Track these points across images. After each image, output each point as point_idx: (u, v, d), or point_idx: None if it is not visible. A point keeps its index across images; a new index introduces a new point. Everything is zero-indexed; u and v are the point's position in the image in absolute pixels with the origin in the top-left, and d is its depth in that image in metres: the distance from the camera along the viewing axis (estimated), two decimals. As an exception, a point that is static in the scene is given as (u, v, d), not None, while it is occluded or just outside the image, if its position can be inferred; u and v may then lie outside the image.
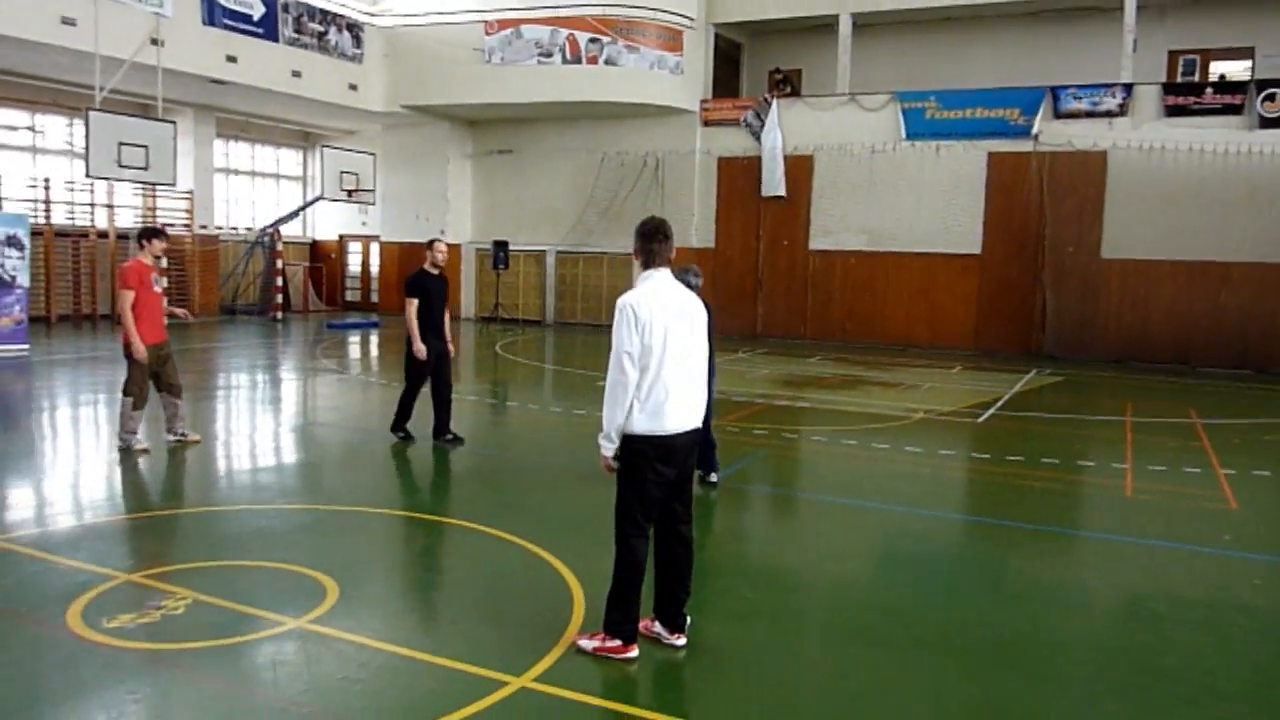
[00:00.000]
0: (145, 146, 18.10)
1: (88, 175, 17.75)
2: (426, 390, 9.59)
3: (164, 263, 16.46)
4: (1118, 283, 19.69)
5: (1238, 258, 18.64)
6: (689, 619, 4.87)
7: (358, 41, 23.10)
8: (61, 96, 21.28)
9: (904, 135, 21.29)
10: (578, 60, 22.05)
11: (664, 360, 4.61)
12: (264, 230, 24.81)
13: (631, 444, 4.66)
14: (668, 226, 4.94)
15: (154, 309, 8.87)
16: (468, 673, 4.40)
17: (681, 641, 4.82)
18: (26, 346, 15.95)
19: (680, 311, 4.75)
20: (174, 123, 19.11)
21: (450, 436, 9.62)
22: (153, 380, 8.98)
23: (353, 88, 23.01)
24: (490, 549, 6.33)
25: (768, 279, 22.69)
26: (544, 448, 10.11)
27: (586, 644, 4.71)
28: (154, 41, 18.28)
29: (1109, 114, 19.52)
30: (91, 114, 17.28)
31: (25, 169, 21.37)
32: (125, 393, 8.79)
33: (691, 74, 22.98)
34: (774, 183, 22.12)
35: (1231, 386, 16.49)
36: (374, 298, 27.46)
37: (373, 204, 24.35)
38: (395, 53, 23.64)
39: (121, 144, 17.69)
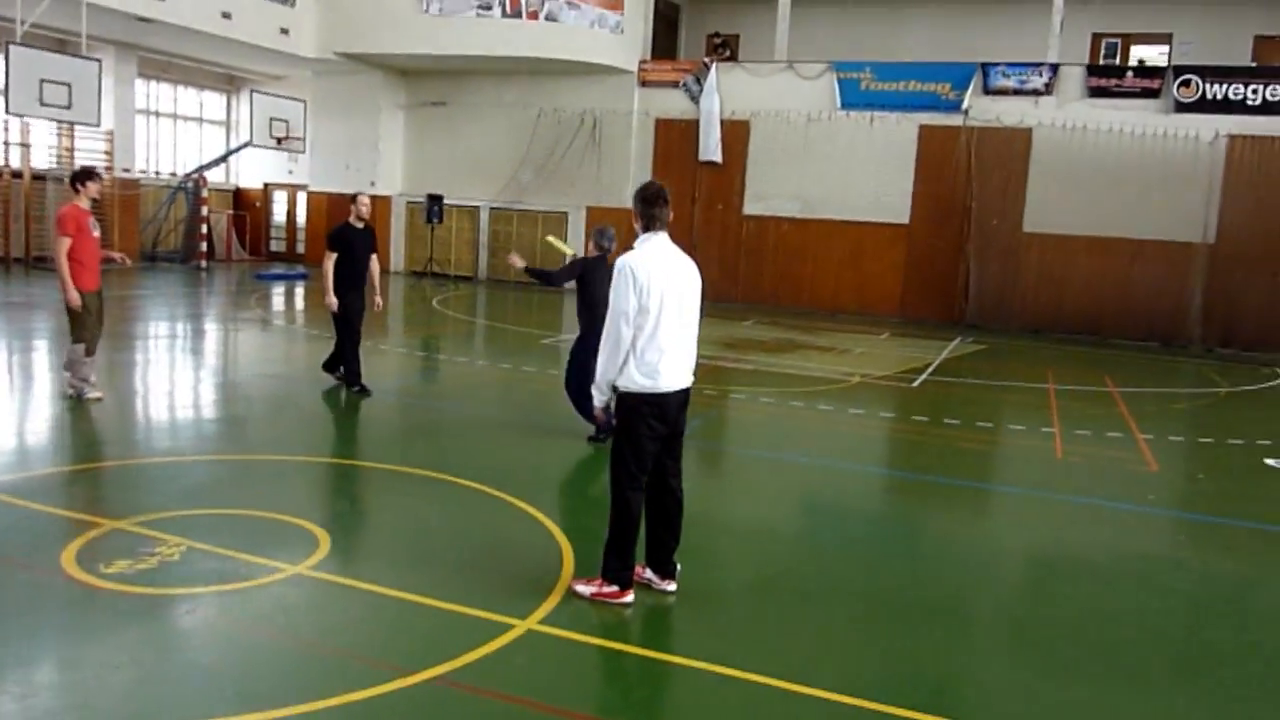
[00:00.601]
0: (68, 84, 17.46)
1: (7, 112, 17.05)
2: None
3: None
4: (1037, 256, 20.50)
5: (1149, 235, 19.57)
6: (679, 566, 5.13)
7: (290, -16, 22.42)
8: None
9: (839, 105, 21.68)
10: (518, 14, 21.83)
11: (660, 321, 4.83)
12: (188, 175, 24.08)
13: (628, 401, 4.87)
14: (667, 192, 5.15)
15: (92, 254, 8.55)
16: (475, 616, 4.59)
17: (672, 587, 5.08)
18: None
19: (677, 274, 4.97)
20: (99, 60, 18.43)
21: (358, 388, 9.71)
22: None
23: (284, 32, 22.38)
24: (471, 500, 6.49)
25: (701, 242, 22.92)
26: (502, 403, 10.26)
27: (584, 589, 4.94)
28: (77, -27, 17.53)
29: (1035, 92, 20.21)
30: (12, 48, 16.58)
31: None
32: (75, 339, 8.56)
33: (631, 34, 22.96)
34: (710, 147, 22.34)
35: (1141, 357, 17.41)
36: (300, 248, 26.93)
37: (302, 152, 23.82)
38: (328, -3, 23.05)
39: (44, 81, 17.02)
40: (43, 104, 17.21)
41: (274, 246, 27.68)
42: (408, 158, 25.76)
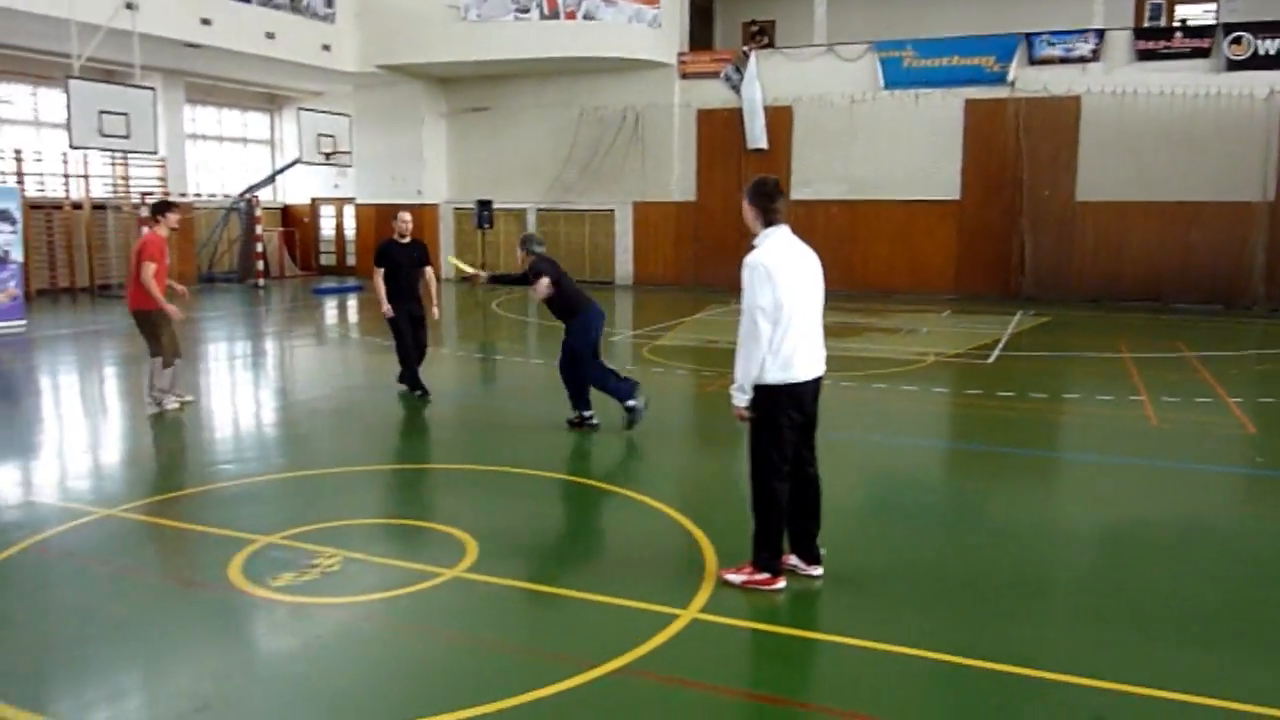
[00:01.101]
0: (125, 114, 17.78)
1: (71, 146, 17.40)
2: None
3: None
4: (1092, 225, 20.34)
5: (1206, 197, 19.35)
6: (823, 551, 5.23)
7: (329, 1, 22.71)
8: (28, 65, 20.72)
9: (882, 85, 21.62)
10: (555, 15, 21.96)
11: (794, 314, 4.91)
12: (241, 196, 24.45)
13: (767, 393, 4.96)
14: (781, 185, 5.21)
15: (163, 280, 9.06)
16: (638, 608, 4.72)
17: (818, 571, 5.18)
18: (24, 322, 15.72)
19: (804, 266, 5.05)
20: (153, 89, 18.78)
21: (420, 392, 10.07)
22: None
23: (326, 48, 22.67)
24: (593, 498, 6.65)
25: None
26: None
27: (734, 578, 5.05)
28: (128, 5, 17.87)
29: (1082, 59, 20.03)
30: (71, 83, 16.91)
31: (-8, 140, 20.82)
32: (153, 354, 9.08)
33: (668, 27, 23.01)
34: (756, 135, 22.35)
35: (1207, 321, 17.25)
36: (350, 260, 27.26)
37: (350, 166, 24.10)
38: (368, 11, 23.30)
39: (102, 112, 17.38)
40: (102, 135, 17.57)
41: (324, 260, 28.05)
42: (452, 165, 26.00)
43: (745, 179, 22.96)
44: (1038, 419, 9.31)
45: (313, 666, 4.26)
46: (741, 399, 4.98)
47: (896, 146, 21.55)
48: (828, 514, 5.36)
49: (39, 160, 21.25)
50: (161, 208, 9.23)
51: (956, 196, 21.34)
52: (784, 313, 4.88)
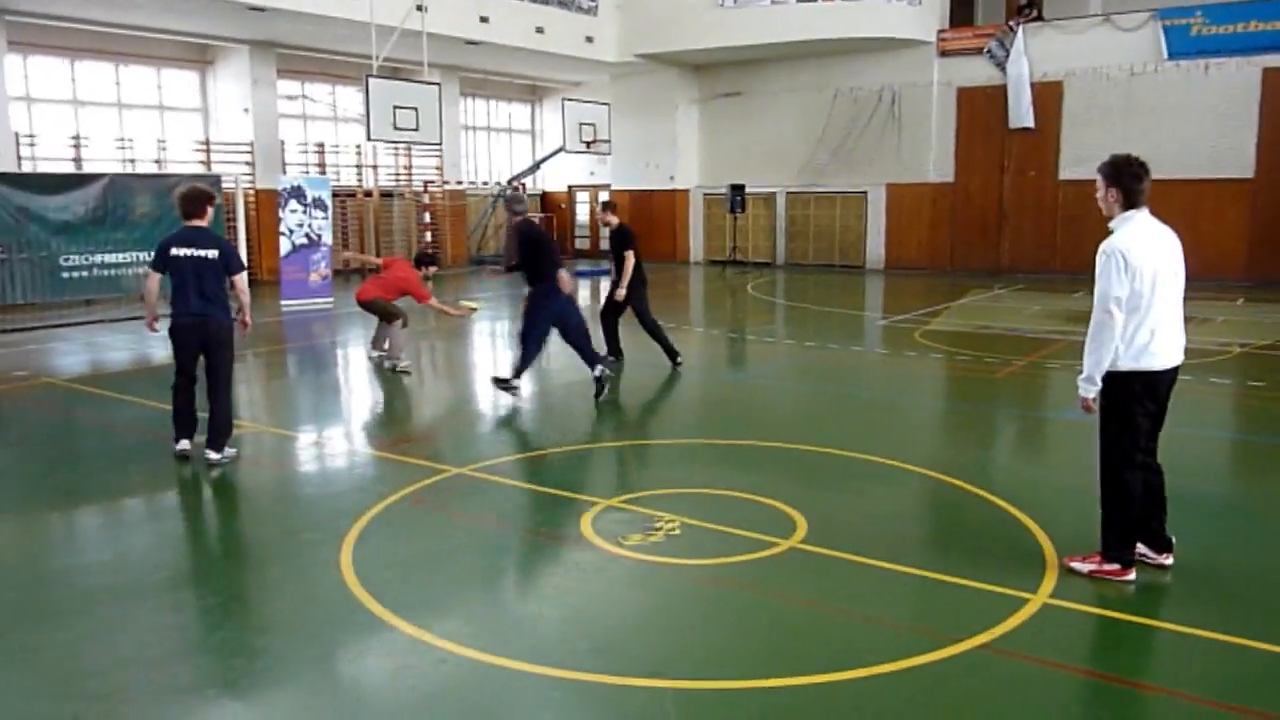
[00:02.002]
0: (415, 108, 19.25)
1: (369, 139, 19.06)
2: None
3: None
4: None
5: None
6: (1173, 539, 5.08)
7: (593, -7, 23.65)
8: (328, 65, 22.82)
9: (1166, 55, 20.15)
10: (813, -3, 21.87)
11: (1152, 301, 4.76)
12: (508, 183, 25.93)
13: (1120, 381, 4.84)
14: (1147, 164, 4.99)
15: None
16: (986, 590, 4.78)
17: (1169, 560, 5.04)
18: (331, 300, 17.41)
19: (1165, 251, 4.87)
20: (439, 85, 20.21)
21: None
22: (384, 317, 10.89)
23: (589, 40, 23.63)
24: (909, 480, 6.71)
25: (1013, 212, 22.08)
26: (879, 383, 10.42)
27: (1081, 566, 4.99)
28: (419, 8, 19.30)
29: None
30: (371, 81, 18.49)
31: (296, 135, 23.07)
32: (391, 320, 10.75)
33: (927, 3, 22.40)
34: (1022, 113, 21.40)
35: None
36: (604, 245, 28.28)
37: (609, 154, 24.99)
38: (628, 2, 24.08)
39: (396, 107, 18.89)
40: (395, 128, 19.11)
41: (579, 245, 29.28)
42: (703, 150, 26.46)
43: (1008, 158, 22.20)
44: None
45: (677, 619, 4.61)
46: (1090, 390, 4.88)
47: (1181, 121, 20.03)
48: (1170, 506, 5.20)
49: (335, 153, 23.40)
50: (427, 260, 11.55)
51: (1249, 175, 19.61)
52: (1142, 301, 4.75)
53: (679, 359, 10.73)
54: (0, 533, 5.89)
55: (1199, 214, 20.11)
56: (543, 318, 9.07)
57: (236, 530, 6.12)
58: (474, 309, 11.88)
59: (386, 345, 10.90)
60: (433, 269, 11.50)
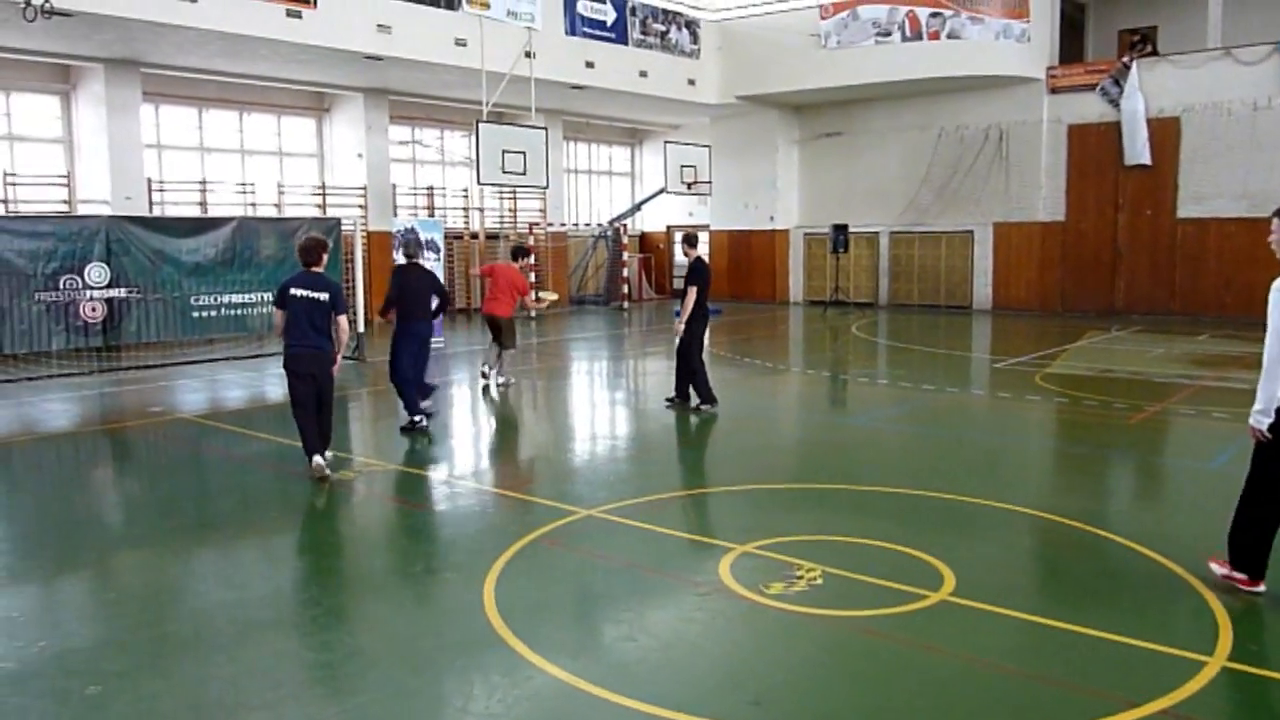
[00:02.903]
0: (523, 152, 19.63)
1: (479, 182, 19.45)
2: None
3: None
4: None
5: None
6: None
7: (694, 37, 23.92)
8: (436, 111, 23.49)
9: (1292, 89, 19.43)
10: (918, 36, 21.72)
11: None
12: (610, 224, 26.24)
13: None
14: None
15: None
16: (1157, 650, 4.56)
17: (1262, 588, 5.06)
18: (443, 339, 17.74)
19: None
20: (545, 129, 20.59)
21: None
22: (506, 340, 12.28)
23: (691, 82, 23.87)
24: (1060, 532, 6.49)
25: (1129, 251, 21.43)
26: (1007, 428, 10.16)
27: (1218, 569, 5.24)
28: (527, 54, 19.75)
29: None
30: (481, 126, 18.93)
31: (406, 179, 23.75)
32: (505, 346, 12.30)
33: (1037, 40, 22.03)
34: (1138, 150, 20.81)
35: None
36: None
37: (709, 195, 25.12)
38: (729, 45, 24.29)
39: (505, 151, 19.30)
40: (504, 171, 19.50)
41: (677, 285, 29.37)
42: (803, 190, 26.40)
43: (1123, 196, 21.63)
44: None
45: (833, 674, 4.51)
46: (1264, 421, 4.98)
47: (1310, 157, 19.23)
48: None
49: (443, 195, 24.01)
50: (522, 253, 12.83)
51: (1388, 211, 18.65)
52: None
53: (711, 404, 10.62)
54: (161, 565, 6.10)
55: (1331, 253, 19.24)
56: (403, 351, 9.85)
57: (381, 568, 6.21)
58: (555, 298, 13.76)
59: (498, 363, 12.34)
60: (529, 260, 12.86)
